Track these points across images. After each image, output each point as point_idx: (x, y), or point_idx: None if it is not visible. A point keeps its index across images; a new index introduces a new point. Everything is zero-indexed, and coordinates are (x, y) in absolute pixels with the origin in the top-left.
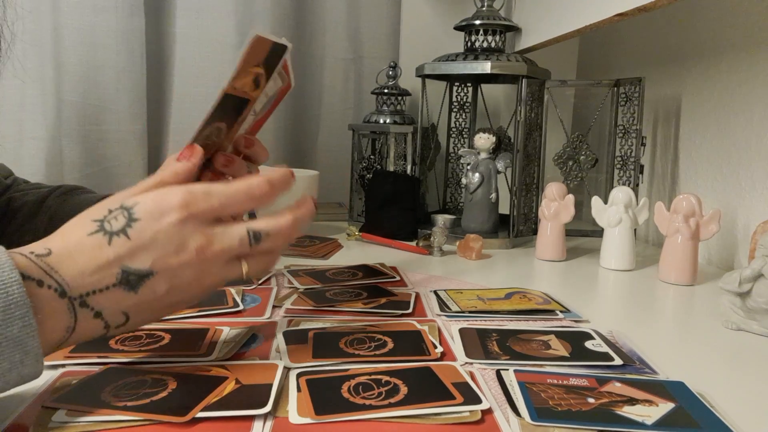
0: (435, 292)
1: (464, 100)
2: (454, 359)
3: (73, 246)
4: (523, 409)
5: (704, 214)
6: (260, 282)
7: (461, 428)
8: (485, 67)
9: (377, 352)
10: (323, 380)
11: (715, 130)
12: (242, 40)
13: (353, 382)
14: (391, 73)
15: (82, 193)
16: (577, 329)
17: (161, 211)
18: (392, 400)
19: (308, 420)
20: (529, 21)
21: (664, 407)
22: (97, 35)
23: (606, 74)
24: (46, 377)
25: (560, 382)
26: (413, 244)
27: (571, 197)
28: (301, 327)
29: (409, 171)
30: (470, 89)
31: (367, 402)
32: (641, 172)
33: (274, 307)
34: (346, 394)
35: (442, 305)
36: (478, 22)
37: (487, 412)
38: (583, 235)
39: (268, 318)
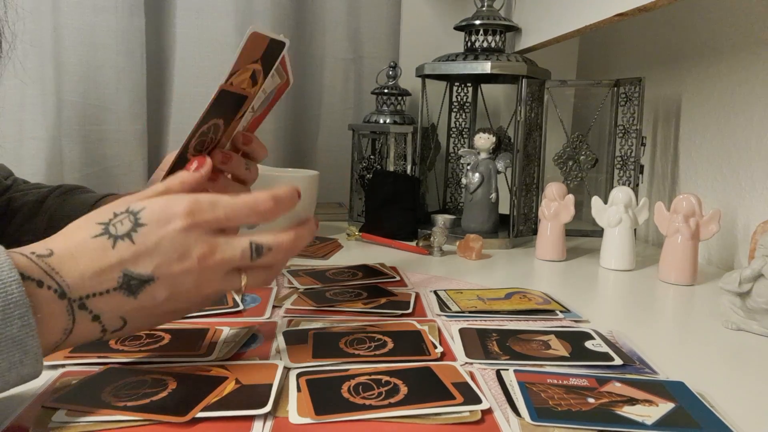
0: (435, 292)
1: (464, 100)
2: (454, 359)
3: (76, 247)
4: (523, 409)
5: (704, 214)
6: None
7: (461, 428)
8: (485, 67)
9: (377, 352)
10: (323, 380)
11: (715, 130)
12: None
13: (353, 382)
14: (391, 73)
15: (81, 193)
16: (577, 329)
17: (167, 218)
18: (392, 400)
19: (308, 420)
20: (529, 21)
21: (664, 407)
22: (97, 35)
23: (606, 74)
24: (46, 377)
25: (560, 382)
26: (413, 244)
27: (571, 197)
28: (301, 327)
29: (409, 171)
30: (470, 89)
31: (367, 402)
32: (641, 172)
33: (274, 307)
34: (346, 394)
35: (442, 305)
36: (478, 22)
37: (487, 412)
38: (583, 235)
39: (268, 318)
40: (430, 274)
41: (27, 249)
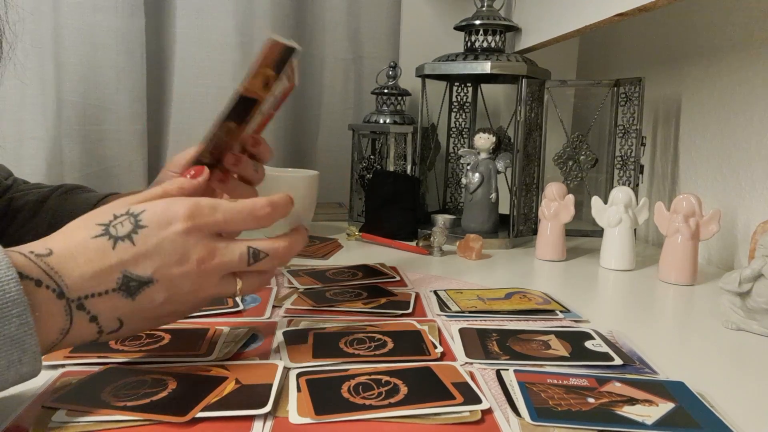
0: (435, 292)
1: (464, 100)
2: (454, 359)
3: (76, 247)
4: (523, 409)
5: (704, 214)
6: None
7: (461, 428)
8: (485, 67)
9: (377, 352)
10: (323, 380)
11: (715, 130)
12: (242, 40)
13: (353, 382)
14: (391, 73)
15: (83, 192)
16: (577, 329)
17: (168, 220)
18: (392, 400)
19: (308, 420)
20: (529, 21)
21: (664, 407)
22: (98, 35)
23: (606, 74)
24: (46, 377)
25: (560, 382)
26: (413, 244)
27: (571, 197)
28: (301, 327)
29: (409, 171)
30: (470, 89)
31: (367, 402)
32: (641, 172)
33: (274, 307)
34: (346, 394)
35: (442, 305)
36: (478, 22)
37: (487, 412)
38: (583, 235)
39: (268, 318)
40: (430, 274)
41: (26, 248)
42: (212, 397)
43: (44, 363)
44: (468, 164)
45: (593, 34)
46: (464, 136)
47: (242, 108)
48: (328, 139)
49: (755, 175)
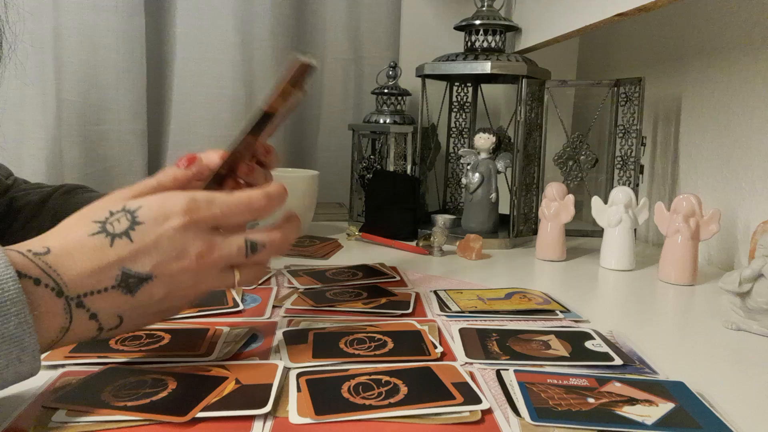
0: (435, 292)
1: (464, 100)
2: (454, 359)
3: (73, 245)
4: (523, 409)
5: (704, 214)
6: (260, 282)
7: (461, 428)
8: (485, 67)
9: (377, 352)
10: (323, 380)
11: (715, 130)
12: (242, 40)
13: (353, 382)
14: (391, 73)
15: (84, 192)
16: (577, 329)
17: (165, 216)
18: (392, 400)
19: (308, 420)
20: (529, 21)
21: (664, 407)
22: (98, 35)
23: (606, 74)
24: (46, 377)
25: (560, 382)
26: (413, 244)
27: (571, 197)
28: (301, 327)
29: (409, 171)
30: (470, 89)
31: (367, 402)
32: (641, 172)
33: (274, 307)
34: (346, 394)
35: (442, 305)
36: (478, 22)
37: (487, 412)
38: (583, 235)
39: (268, 318)
40: (430, 274)
41: (23, 246)
42: (212, 397)
43: (44, 363)
44: (468, 164)
45: (593, 34)
46: (464, 136)
47: (262, 123)
48: (328, 139)
49: (755, 175)
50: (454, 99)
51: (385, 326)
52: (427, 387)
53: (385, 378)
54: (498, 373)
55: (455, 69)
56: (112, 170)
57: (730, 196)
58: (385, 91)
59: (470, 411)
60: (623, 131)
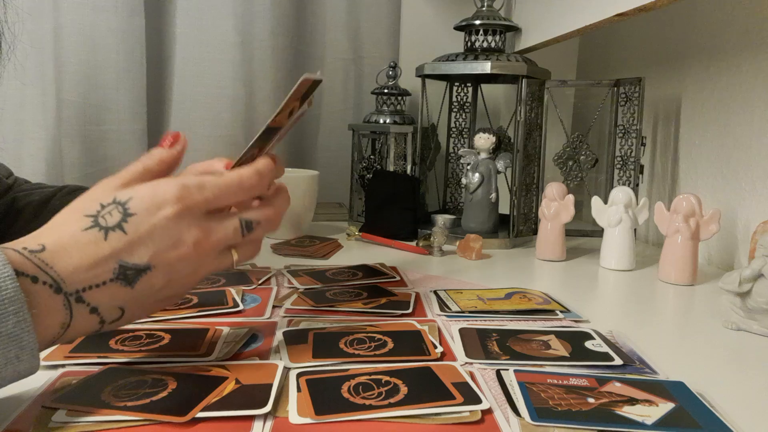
0: (435, 292)
1: (464, 100)
2: (454, 359)
3: (67, 241)
4: (523, 409)
5: (704, 214)
6: (260, 282)
7: (461, 428)
8: (485, 67)
9: (377, 352)
10: (323, 380)
11: (715, 130)
12: (242, 40)
13: (353, 382)
14: (391, 73)
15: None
16: (577, 329)
17: (157, 205)
18: (392, 400)
19: (308, 420)
20: (529, 21)
21: (664, 407)
22: (98, 35)
23: (606, 74)
24: (46, 377)
25: (560, 382)
26: (413, 244)
27: (571, 197)
28: (301, 327)
29: (409, 171)
30: (470, 89)
31: (367, 402)
32: (641, 172)
33: (274, 307)
34: (346, 394)
35: (442, 305)
36: (478, 22)
37: (487, 412)
38: (583, 235)
39: (268, 318)
40: (430, 274)
41: (18, 244)
42: (212, 397)
43: (44, 363)
44: (468, 164)
45: (593, 34)
46: (464, 136)
47: (267, 136)
48: (328, 139)
49: (755, 175)
50: (454, 99)
51: (385, 326)
52: (427, 387)
53: (385, 378)
54: (498, 373)
55: (455, 69)
56: (112, 170)
57: (730, 196)
58: (385, 91)
59: (470, 411)
60: (623, 131)
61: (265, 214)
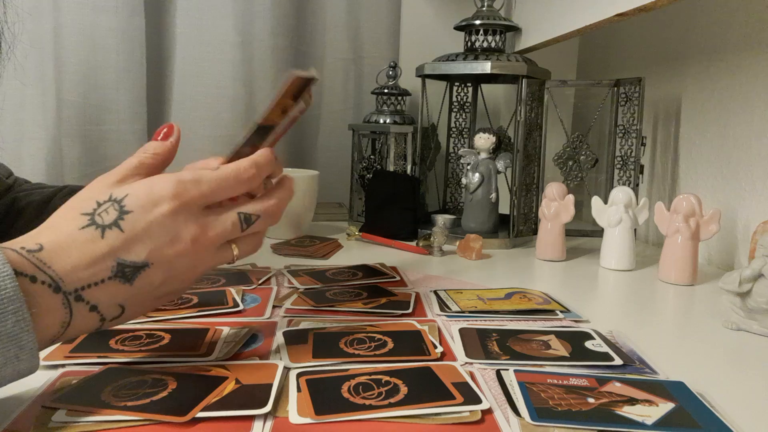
0: (435, 292)
1: (464, 100)
2: (454, 359)
3: (65, 240)
4: (523, 409)
5: (704, 214)
6: (260, 282)
7: (461, 428)
8: (485, 67)
9: (377, 352)
10: (323, 380)
11: (715, 130)
12: (242, 40)
13: (353, 382)
14: (391, 73)
15: None
16: (577, 329)
17: (153, 202)
18: (392, 400)
19: (308, 420)
20: (529, 21)
21: (664, 407)
22: (98, 35)
23: (606, 74)
24: (46, 377)
25: (560, 382)
26: (413, 244)
27: (571, 197)
28: (301, 327)
29: (409, 171)
30: (470, 89)
31: (367, 402)
32: (641, 172)
33: (274, 307)
34: (346, 394)
35: (442, 305)
36: (478, 22)
37: (487, 412)
38: (583, 235)
39: (268, 318)
40: (430, 274)
41: (16, 244)
42: (212, 397)
43: (44, 363)
44: (468, 164)
45: (593, 34)
46: (464, 136)
47: (259, 135)
48: (328, 139)
49: (755, 175)
50: (454, 99)
51: (385, 326)
52: (427, 387)
53: (385, 378)
54: (498, 373)
55: (455, 69)
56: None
57: (730, 196)
58: (385, 91)
59: (470, 411)
60: (623, 131)
61: (266, 207)
